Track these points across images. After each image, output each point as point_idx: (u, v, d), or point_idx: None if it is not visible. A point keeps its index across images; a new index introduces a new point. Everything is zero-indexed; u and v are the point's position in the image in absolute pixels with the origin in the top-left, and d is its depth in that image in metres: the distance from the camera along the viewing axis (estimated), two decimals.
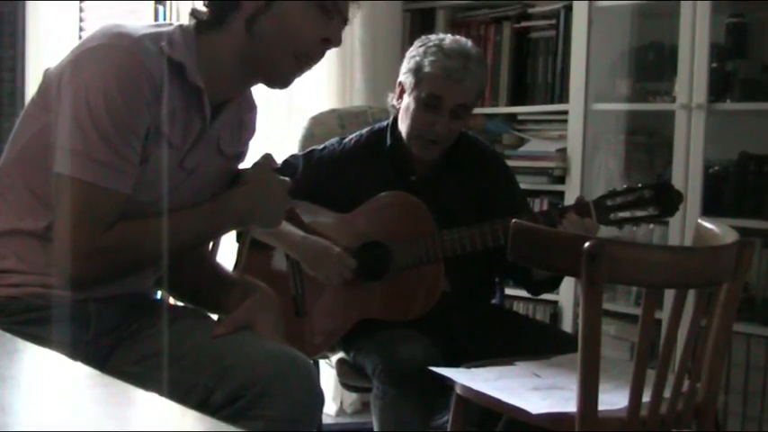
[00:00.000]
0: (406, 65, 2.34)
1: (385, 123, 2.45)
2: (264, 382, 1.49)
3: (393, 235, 2.30)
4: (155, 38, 1.53)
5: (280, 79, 1.66)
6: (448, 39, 2.33)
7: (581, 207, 2.22)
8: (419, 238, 2.27)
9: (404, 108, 2.34)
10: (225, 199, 1.64)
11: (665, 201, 2.21)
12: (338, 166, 2.40)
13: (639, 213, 2.21)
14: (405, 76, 2.34)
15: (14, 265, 1.54)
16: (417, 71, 2.30)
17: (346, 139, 2.45)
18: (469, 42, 2.35)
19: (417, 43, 2.36)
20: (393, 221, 2.32)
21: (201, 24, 1.61)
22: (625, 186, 2.25)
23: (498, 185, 2.43)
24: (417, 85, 2.29)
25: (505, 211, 2.24)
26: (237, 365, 1.52)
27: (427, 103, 2.28)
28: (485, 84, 2.37)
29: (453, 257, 2.26)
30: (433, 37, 2.35)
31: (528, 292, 2.46)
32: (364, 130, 2.47)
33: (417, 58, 2.31)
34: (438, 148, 2.34)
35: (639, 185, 2.23)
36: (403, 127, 2.35)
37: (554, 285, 2.42)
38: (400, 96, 2.36)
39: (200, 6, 1.63)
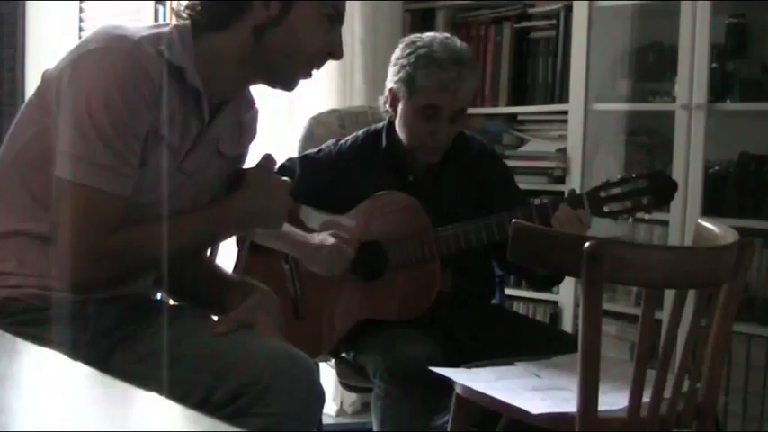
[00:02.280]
0: (396, 73, 2.30)
1: (381, 125, 2.44)
2: (266, 380, 1.49)
3: (389, 234, 2.30)
4: (153, 40, 1.53)
5: (284, 84, 1.67)
6: (436, 44, 2.27)
7: (574, 199, 2.21)
8: (415, 236, 2.27)
9: (401, 116, 2.33)
10: (228, 202, 1.64)
11: (660, 190, 2.18)
12: (335, 169, 2.40)
13: (634, 203, 2.19)
14: (396, 86, 2.30)
15: (14, 268, 1.54)
16: (410, 82, 2.26)
17: (342, 141, 2.45)
18: (458, 43, 2.31)
19: (405, 49, 2.30)
20: (389, 221, 2.32)
21: (199, 24, 1.60)
22: (619, 177, 2.23)
23: (496, 182, 2.43)
24: (411, 95, 2.27)
25: (504, 207, 2.24)
26: (238, 363, 1.52)
27: (425, 114, 2.27)
28: (479, 83, 2.35)
29: (451, 256, 2.26)
30: (418, 41, 2.29)
31: (532, 287, 2.46)
32: (360, 132, 2.46)
33: (409, 69, 2.26)
34: (440, 151, 2.34)
35: (633, 175, 2.20)
36: (402, 134, 2.34)
37: (558, 280, 2.42)
38: (392, 103, 2.34)
39: (194, 3, 1.61)
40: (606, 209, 2.19)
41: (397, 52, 2.33)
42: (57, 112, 1.50)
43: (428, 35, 2.33)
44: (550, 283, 2.41)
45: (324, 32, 1.62)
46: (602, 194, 2.19)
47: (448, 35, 2.35)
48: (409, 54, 2.28)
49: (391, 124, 2.40)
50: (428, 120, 2.27)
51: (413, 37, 2.34)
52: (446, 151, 2.37)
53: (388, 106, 2.37)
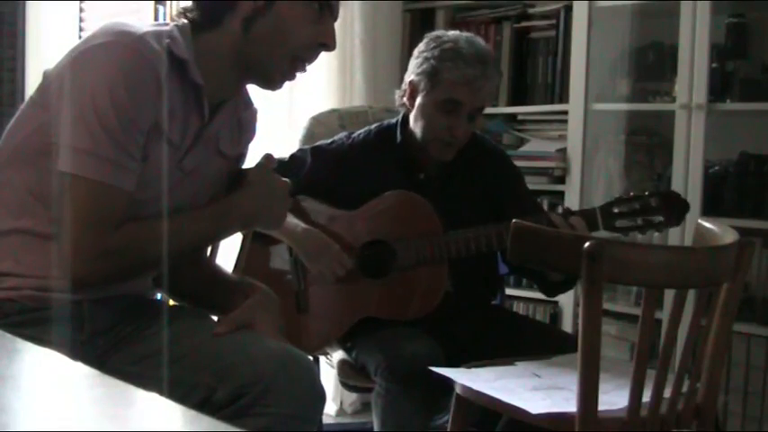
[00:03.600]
0: (419, 66, 2.29)
1: (394, 120, 2.43)
2: (267, 380, 1.49)
3: (398, 234, 2.30)
4: (157, 36, 1.54)
5: (273, 80, 1.66)
6: (462, 40, 2.27)
7: (586, 212, 2.24)
8: (423, 238, 2.27)
9: (418, 109, 2.31)
10: (229, 201, 1.65)
11: (672, 209, 2.21)
12: (346, 161, 2.39)
13: (645, 221, 2.22)
14: (418, 78, 2.29)
15: (12, 268, 1.54)
16: (434, 75, 2.26)
17: (354, 134, 2.44)
18: (482, 42, 2.32)
19: (430, 43, 2.30)
20: (398, 221, 2.32)
21: (196, 24, 1.62)
22: (632, 194, 2.25)
23: (506, 184, 2.43)
24: (434, 88, 2.26)
25: (514, 209, 2.24)
26: (239, 363, 1.52)
27: (445, 108, 2.27)
28: (499, 83, 2.34)
29: (457, 258, 2.26)
30: (444, 36, 2.29)
31: (543, 293, 2.43)
32: (373, 126, 2.45)
33: (433, 62, 2.26)
34: (455, 149, 2.33)
35: (646, 193, 2.24)
36: (418, 128, 2.33)
37: (569, 285, 2.40)
38: (411, 96, 2.33)
39: (189, 5, 1.63)
40: (618, 224, 2.22)
41: (421, 46, 2.33)
42: (58, 107, 1.49)
43: (453, 32, 2.33)
44: (563, 288, 2.39)
45: (311, 22, 1.61)
46: (615, 210, 2.22)
47: (472, 34, 2.35)
48: (434, 47, 2.28)
49: (405, 119, 2.39)
50: (447, 114, 2.27)
51: (438, 32, 2.34)
52: (458, 150, 2.37)
53: (405, 99, 2.35)
